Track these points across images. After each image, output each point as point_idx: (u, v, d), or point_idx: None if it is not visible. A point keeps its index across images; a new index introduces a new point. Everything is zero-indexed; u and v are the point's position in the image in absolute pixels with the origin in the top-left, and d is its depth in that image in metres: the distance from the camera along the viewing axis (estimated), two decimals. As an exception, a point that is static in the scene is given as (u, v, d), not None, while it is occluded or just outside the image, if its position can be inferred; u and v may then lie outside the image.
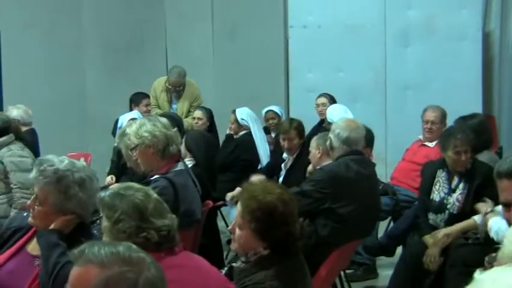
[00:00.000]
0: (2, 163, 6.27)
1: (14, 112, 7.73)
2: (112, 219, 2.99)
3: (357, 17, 9.67)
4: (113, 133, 8.28)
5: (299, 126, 7.00)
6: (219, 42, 10.42)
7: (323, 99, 8.61)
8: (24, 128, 7.51)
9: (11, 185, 6.25)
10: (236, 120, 7.94)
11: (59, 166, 3.40)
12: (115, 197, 3.04)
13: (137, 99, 8.83)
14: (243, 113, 7.94)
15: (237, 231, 3.31)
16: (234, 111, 7.99)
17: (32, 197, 3.45)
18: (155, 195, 3.09)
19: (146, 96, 8.95)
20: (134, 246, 2.08)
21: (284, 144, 6.95)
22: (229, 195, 6.56)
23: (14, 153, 6.33)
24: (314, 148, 5.79)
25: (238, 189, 6.62)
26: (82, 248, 2.01)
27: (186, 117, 8.77)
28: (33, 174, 3.43)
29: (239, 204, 3.33)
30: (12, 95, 9.68)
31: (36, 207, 3.41)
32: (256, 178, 5.05)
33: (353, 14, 9.69)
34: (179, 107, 9.10)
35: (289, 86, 10.02)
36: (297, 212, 3.38)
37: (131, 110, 8.55)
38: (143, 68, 10.16)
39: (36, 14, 10.25)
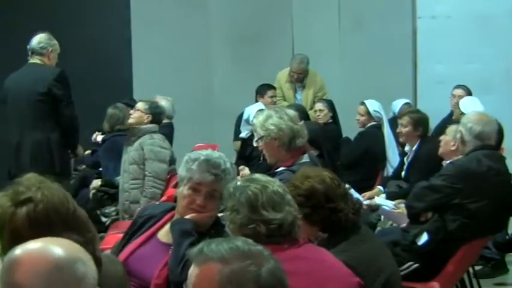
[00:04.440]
0: (142, 149, 6.46)
1: (163, 103, 7.75)
2: (230, 209, 3.05)
3: (487, 7, 9.45)
4: (237, 125, 8.37)
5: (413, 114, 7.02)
6: (345, 33, 10.35)
7: (460, 91, 8.42)
8: (165, 121, 7.61)
9: (146, 173, 6.43)
10: (367, 112, 7.80)
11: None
12: (237, 187, 3.08)
13: (262, 90, 8.81)
14: (375, 105, 7.81)
15: None
16: (362, 103, 7.86)
17: (199, 195, 3.42)
18: (273, 188, 3.04)
19: (272, 87, 8.93)
20: (250, 240, 2.10)
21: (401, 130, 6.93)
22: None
23: (155, 142, 6.49)
24: (451, 138, 5.74)
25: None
26: (199, 246, 2.04)
27: (311, 108, 8.75)
28: (209, 175, 3.40)
29: None
30: (142, 88, 9.91)
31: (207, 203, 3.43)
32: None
33: (483, 4, 9.48)
34: (304, 97, 9.12)
35: (417, 78, 9.89)
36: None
37: (256, 101, 8.59)
38: (269, 60, 10.18)
39: (165, 8, 10.45)
